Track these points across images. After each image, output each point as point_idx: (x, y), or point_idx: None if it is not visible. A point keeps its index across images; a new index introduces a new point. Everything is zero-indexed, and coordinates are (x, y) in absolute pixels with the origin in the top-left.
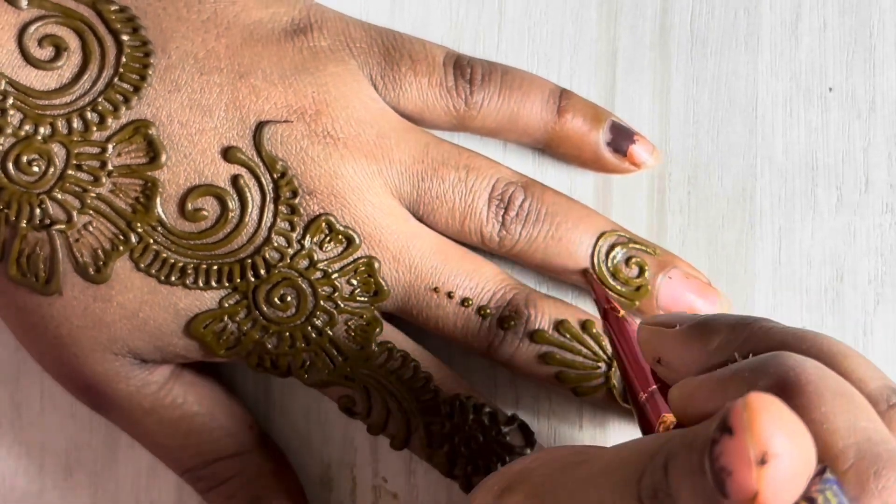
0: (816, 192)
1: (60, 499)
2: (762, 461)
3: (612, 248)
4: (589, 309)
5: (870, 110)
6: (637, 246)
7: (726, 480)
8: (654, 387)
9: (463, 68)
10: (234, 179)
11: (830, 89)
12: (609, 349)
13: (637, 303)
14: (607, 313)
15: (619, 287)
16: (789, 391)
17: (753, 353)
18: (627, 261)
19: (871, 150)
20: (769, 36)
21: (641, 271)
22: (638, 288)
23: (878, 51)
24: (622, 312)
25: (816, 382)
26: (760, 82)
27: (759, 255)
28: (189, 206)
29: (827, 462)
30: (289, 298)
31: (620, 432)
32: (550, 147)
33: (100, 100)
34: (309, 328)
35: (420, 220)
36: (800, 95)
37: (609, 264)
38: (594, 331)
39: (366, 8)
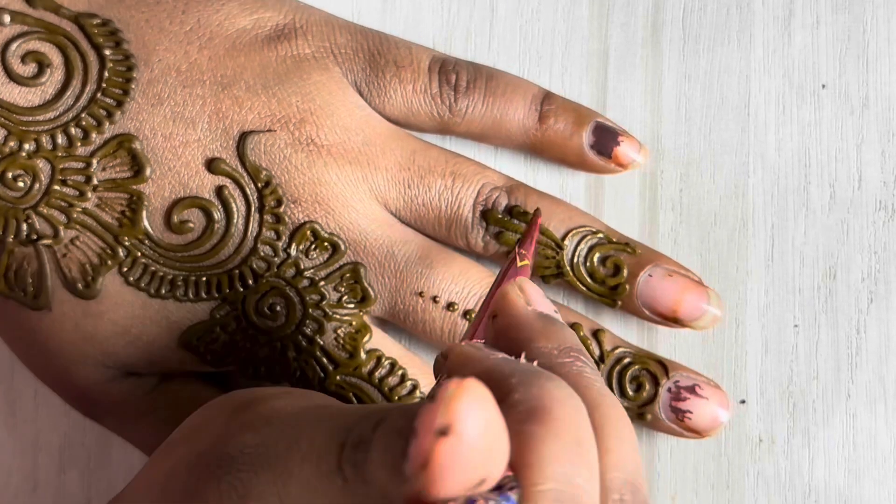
0: (809, 190)
1: (54, 496)
2: (442, 432)
3: (591, 249)
4: (575, 317)
5: (863, 107)
6: (616, 246)
7: (410, 442)
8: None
9: (448, 74)
10: (219, 190)
11: (823, 86)
12: (595, 353)
13: (619, 302)
14: (515, 253)
15: (597, 287)
16: (535, 413)
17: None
18: (604, 261)
19: (865, 147)
20: (762, 33)
21: (618, 270)
22: (615, 287)
23: (872, 47)
24: (525, 263)
25: (564, 422)
26: (753, 79)
27: (751, 252)
28: (175, 218)
29: (525, 494)
30: (278, 308)
31: None
32: (536, 151)
33: (83, 115)
34: (299, 336)
35: (406, 224)
36: (793, 92)
37: (587, 265)
38: (581, 334)
39: (357, 7)
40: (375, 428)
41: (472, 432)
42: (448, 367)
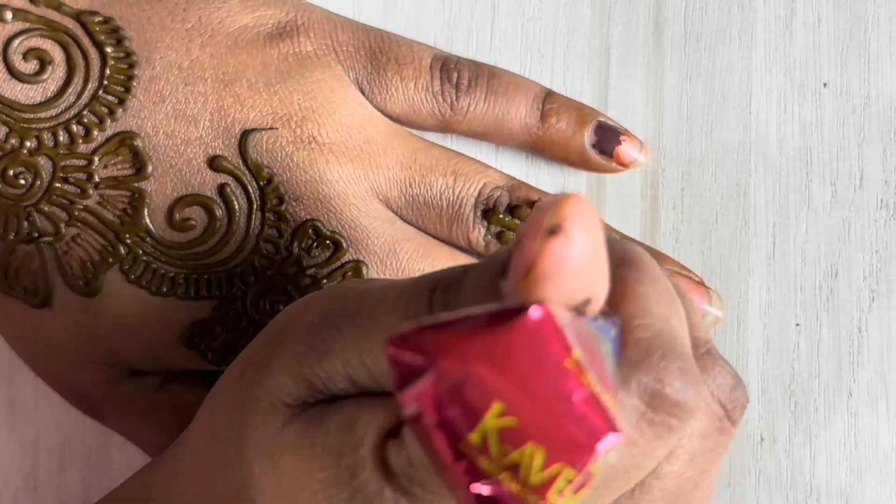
0: (811, 188)
1: (54, 495)
2: (552, 231)
3: None
4: None
5: (864, 106)
6: None
7: (514, 252)
8: None
9: (450, 72)
10: (221, 188)
11: (825, 84)
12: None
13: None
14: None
15: None
16: (628, 260)
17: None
18: None
19: (866, 145)
20: (763, 31)
21: None
22: None
23: (873, 46)
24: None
25: (654, 270)
26: (755, 78)
27: (753, 251)
28: (177, 216)
29: (626, 327)
30: (280, 306)
31: None
32: (537, 150)
33: (85, 112)
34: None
35: (408, 223)
36: (794, 91)
37: None
38: None
39: (359, 5)
40: (465, 272)
41: (583, 235)
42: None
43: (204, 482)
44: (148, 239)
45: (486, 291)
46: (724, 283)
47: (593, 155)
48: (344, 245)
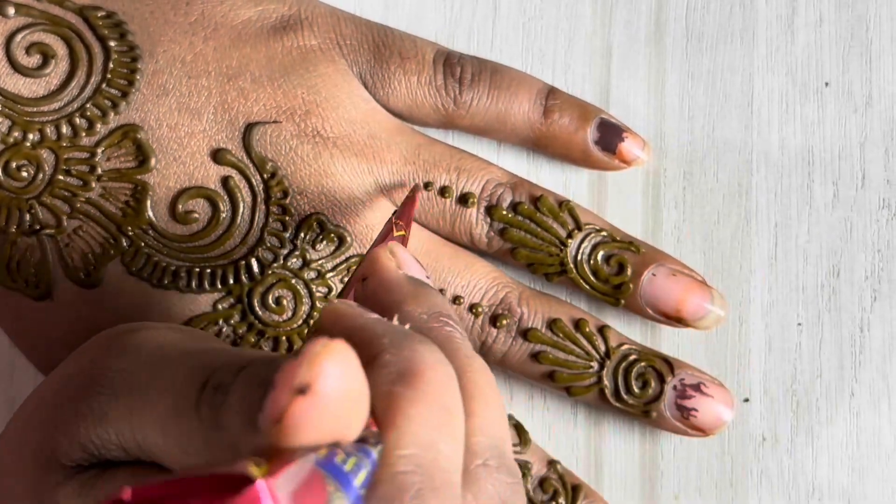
0: (812, 188)
1: None
2: (301, 390)
3: (595, 247)
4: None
5: (866, 105)
6: (620, 244)
7: (267, 394)
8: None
9: (453, 67)
10: (225, 181)
11: (827, 84)
12: (601, 349)
13: (622, 301)
14: (392, 223)
15: (601, 285)
16: (405, 376)
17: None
18: (608, 259)
19: (868, 145)
20: (765, 30)
21: (622, 269)
22: (619, 286)
23: (875, 45)
24: (401, 233)
25: (433, 387)
26: (756, 77)
27: (754, 250)
28: (180, 208)
29: (385, 457)
30: (284, 302)
31: (616, 429)
32: (539, 146)
33: (88, 105)
34: (306, 331)
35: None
36: (796, 90)
37: (591, 263)
38: (587, 330)
39: (360, 4)
40: (238, 374)
41: (332, 395)
42: (320, 323)
43: None
44: (150, 231)
45: (246, 418)
46: (726, 282)
47: (596, 151)
48: (348, 239)
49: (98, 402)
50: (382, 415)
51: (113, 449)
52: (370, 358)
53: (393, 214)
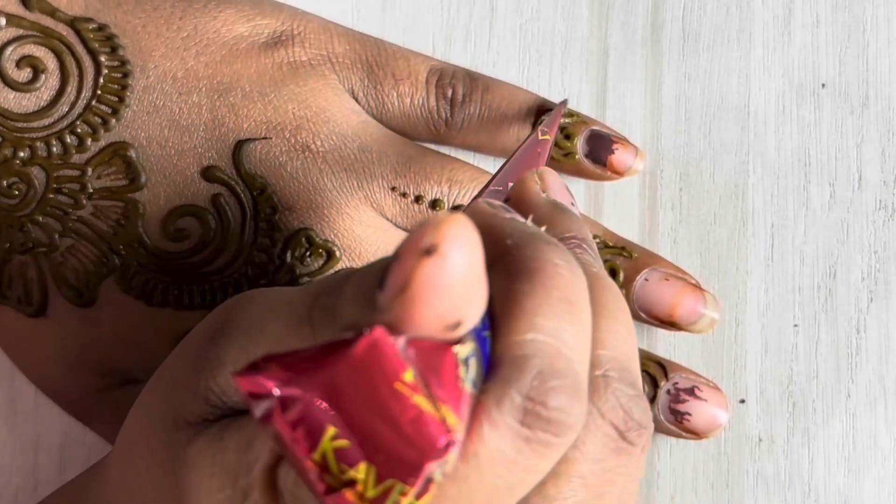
0: (809, 189)
1: None
2: (428, 251)
3: None
4: None
5: (863, 106)
6: (612, 250)
7: (391, 267)
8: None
9: (444, 88)
10: (215, 198)
11: (823, 85)
12: None
13: None
14: (538, 130)
15: None
16: (524, 272)
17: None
18: None
19: (865, 146)
20: (761, 32)
21: (613, 275)
22: None
23: (872, 46)
24: (546, 137)
25: (554, 281)
26: (753, 79)
27: (751, 252)
28: (170, 226)
29: (505, 343)
30: None
31: None
32: None
33: (78, 122)
34: None
35: (403, 230)
36: (792, 92)
37: None
38: None
39: (357, 6)
40: (349, 276)
41: (459, 258)
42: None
43: (124, 493)
44: (142, 249)
45: (363, 300)
46: (723, 283)
47: (586, 164)
48: (337, 254)
49: (214, 350)
50: (500, 311)
51: (233, 394)
52: (494, 257)
53: (539, 122)
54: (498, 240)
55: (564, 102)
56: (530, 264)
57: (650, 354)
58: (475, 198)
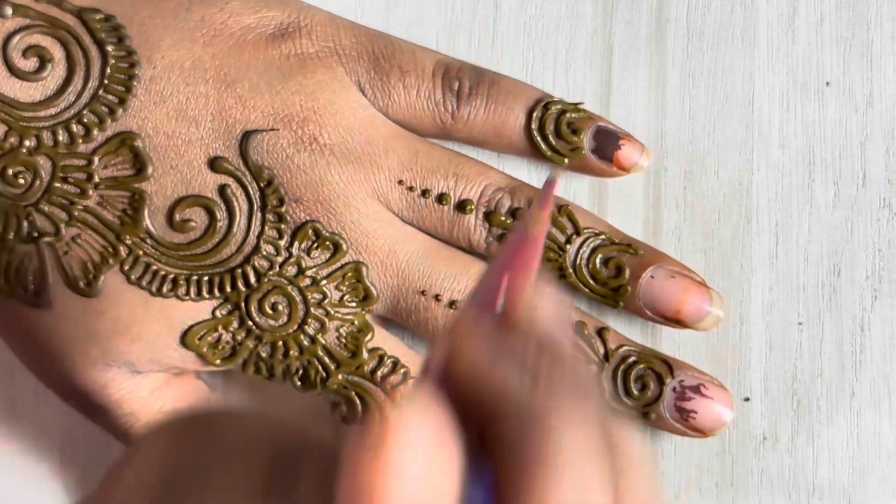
0: (813, 187)
1: (55, 494)
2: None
3: (594, 251)
4: (579, 315)
5: (867, 105)
6: (618, 247)
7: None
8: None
9: (451, 81)
10: (222, 189)
11: (828, 83)
12: (600, 352)
13: (620, 303)
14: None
15: (600, 288)
16: (531, 462)
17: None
18: (606, 262)
19: (869, 144)
20: (766, 30)
21: (619, 272)
22: (617, 288)
23: (876, 45)
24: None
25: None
26: (757, 77)
27: (755, 250)
28: (177, 217)
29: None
30: (280, 307)
31: None
32: (538, 158)
33: (85, 112)
34: (302, 336)
35: (409, 224)
36: (797, 90)
37: (589, 267)
38: (586, 332)
39: (361, 4)
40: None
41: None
42: (448, 346)
43: None
44: (148, 240)
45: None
46: (727, 282)
47: (593, 160)
48: (344, 246)
49: None
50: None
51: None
52: (489, 418)
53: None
54: (495, 404)
55: (551, 182)
56: (540, 456)
57: (656, 352)
58: (470, 295)
